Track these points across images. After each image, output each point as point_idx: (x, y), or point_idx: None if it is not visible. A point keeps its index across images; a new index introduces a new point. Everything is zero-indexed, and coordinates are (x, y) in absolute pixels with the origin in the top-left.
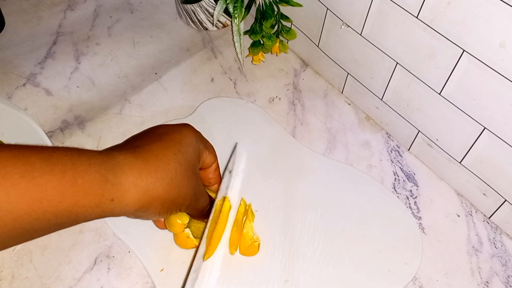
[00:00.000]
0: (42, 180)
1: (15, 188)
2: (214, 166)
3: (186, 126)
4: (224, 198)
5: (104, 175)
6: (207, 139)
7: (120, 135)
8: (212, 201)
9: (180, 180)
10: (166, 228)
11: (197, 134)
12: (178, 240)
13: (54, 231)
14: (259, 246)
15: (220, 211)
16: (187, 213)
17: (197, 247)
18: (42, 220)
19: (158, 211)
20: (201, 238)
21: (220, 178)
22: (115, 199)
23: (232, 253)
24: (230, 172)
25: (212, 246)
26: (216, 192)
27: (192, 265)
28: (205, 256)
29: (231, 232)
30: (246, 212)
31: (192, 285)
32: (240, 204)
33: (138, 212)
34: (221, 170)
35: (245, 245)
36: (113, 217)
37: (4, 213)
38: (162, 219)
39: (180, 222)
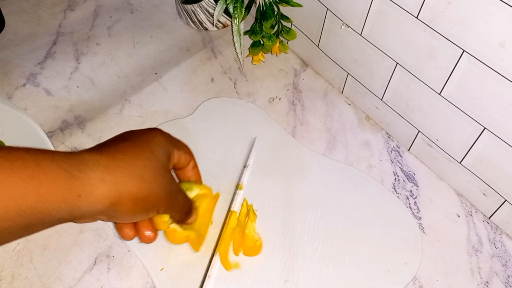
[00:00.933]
0: (1, 176)
1: None
2: (191, 164)
3: (154, 128)
4: (231, 213)
5: (68, 170)
6: (207, 139)
7: None
8: (191, 204)
9: (151, 176)
10: (132, 239)
11: (166, 135)
12: (168, 237)
13: (23, 234)
14: (261, 246)
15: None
16: (168, 215)
17: (209, 264)
18: (5, 219)
19: (130, 209)
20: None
21: (199, 175)
22: (82, 195)
23: (236, 254)
24: (245, 167)
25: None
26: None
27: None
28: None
29: (234, 233)
30: (248, 212)
31: None
32: (243, 204)
33: (108, 210)
34: (220, 167)
35: (248, 245)
36: None
37: None
38: (129, 232)
39: (164, 221)
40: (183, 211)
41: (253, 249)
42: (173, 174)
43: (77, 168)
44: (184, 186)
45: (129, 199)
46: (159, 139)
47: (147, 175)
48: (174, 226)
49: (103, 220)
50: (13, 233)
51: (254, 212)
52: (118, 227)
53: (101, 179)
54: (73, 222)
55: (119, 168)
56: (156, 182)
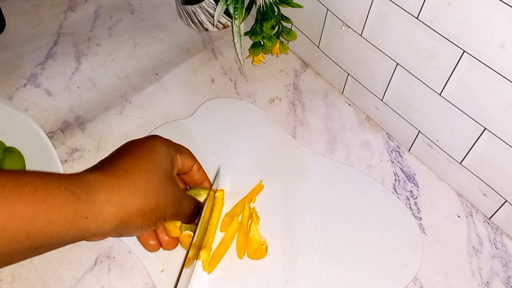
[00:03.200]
0: (12, 199)
1: None
2: (195, 167)
3: (154, 136)
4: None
5: (75, 193)
6: (208, 140)
7: (121, 136)
8: (198, 203)
9: (156, 189)
10: (158, 249)
11: (166, 141)
12: (182, 243)
13: (31, 255)
14: (267, 248)
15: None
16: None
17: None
18: (15, 242)
19: (140, 224)
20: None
21: (206, 176)
22: (90, 217)
23: (240, 257)
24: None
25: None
26: (210, 188)
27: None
28: (206, 268)
29: (238, 236)
30: (251, 215)
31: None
32: (245, 208)
33: (118, 229)
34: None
35: (253, 248)
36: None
37: None
38: (152, 241)
39: (176, 226)
40: (189, 214)
41: (258, 252)
42: (180, 180)
43: (83, 190)
44: (192, 192)
45: (137, 216)
46: (160, 147)
47: (151, 189)
48: (188, 232)
49: (113, 237)
50: (22, 254)
51: (257, 214)
52: (142, 241)
53: (107, 200)
54: (84, 240)
55: (124, 187)
56: (161, 193)
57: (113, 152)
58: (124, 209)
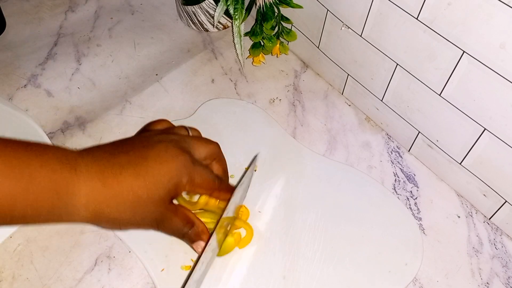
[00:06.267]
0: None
1: None
2: (215, 195)
3: (173, 148)
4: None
5: (56, 181)
6: (208, 140)
7: (121, 136)
8: (189, 221)
9: (132, 209)
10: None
11: (182, 161)
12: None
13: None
14: (251, 233)
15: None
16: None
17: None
18: None
19: (109, 227)
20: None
21: (229, 189)
22: (65, 217)
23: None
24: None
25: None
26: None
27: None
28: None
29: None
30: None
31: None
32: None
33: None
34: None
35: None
36: None
37: None
38: None
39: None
40: (176, 233)
41: (244, 239)
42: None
43: (65, 186)
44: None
45: (106, 222)
46: (169, 167)
47: (129, 207)
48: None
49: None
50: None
51: (246, 208)
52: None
53: (86, 199)
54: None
55: (108, 199)
56: (138, 215)
57: (132, 139)
58: (97, 215)
